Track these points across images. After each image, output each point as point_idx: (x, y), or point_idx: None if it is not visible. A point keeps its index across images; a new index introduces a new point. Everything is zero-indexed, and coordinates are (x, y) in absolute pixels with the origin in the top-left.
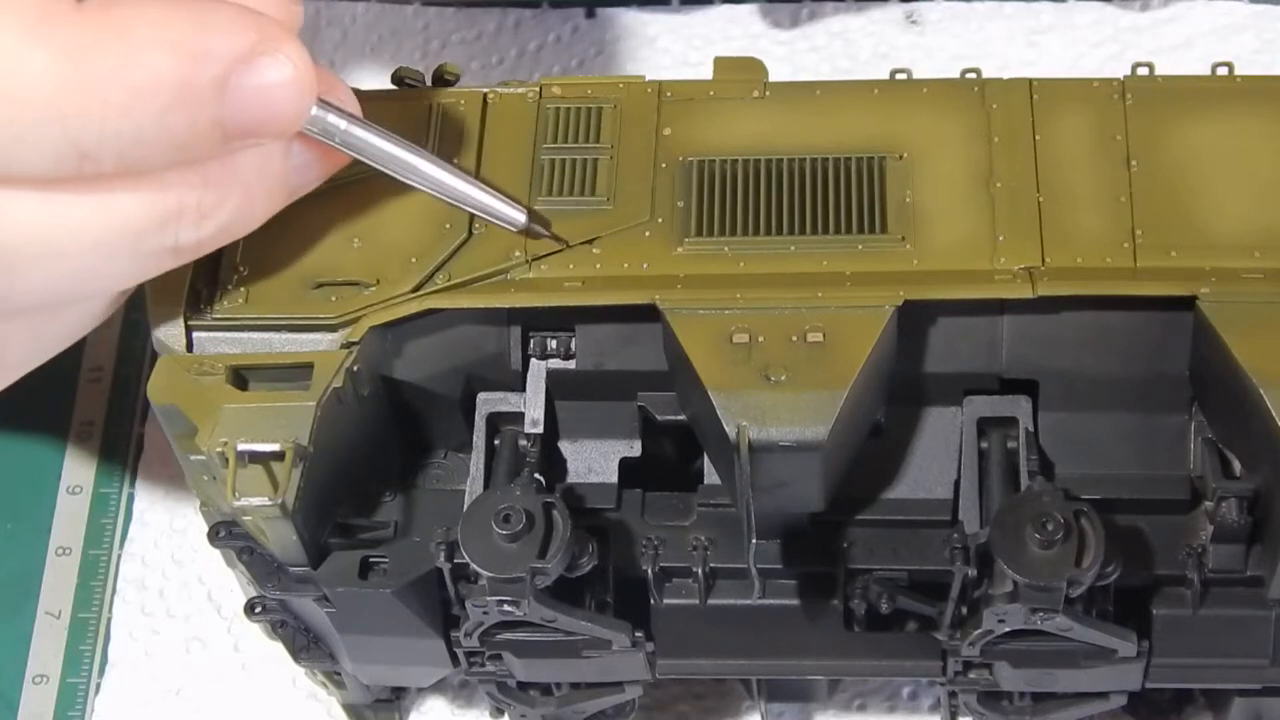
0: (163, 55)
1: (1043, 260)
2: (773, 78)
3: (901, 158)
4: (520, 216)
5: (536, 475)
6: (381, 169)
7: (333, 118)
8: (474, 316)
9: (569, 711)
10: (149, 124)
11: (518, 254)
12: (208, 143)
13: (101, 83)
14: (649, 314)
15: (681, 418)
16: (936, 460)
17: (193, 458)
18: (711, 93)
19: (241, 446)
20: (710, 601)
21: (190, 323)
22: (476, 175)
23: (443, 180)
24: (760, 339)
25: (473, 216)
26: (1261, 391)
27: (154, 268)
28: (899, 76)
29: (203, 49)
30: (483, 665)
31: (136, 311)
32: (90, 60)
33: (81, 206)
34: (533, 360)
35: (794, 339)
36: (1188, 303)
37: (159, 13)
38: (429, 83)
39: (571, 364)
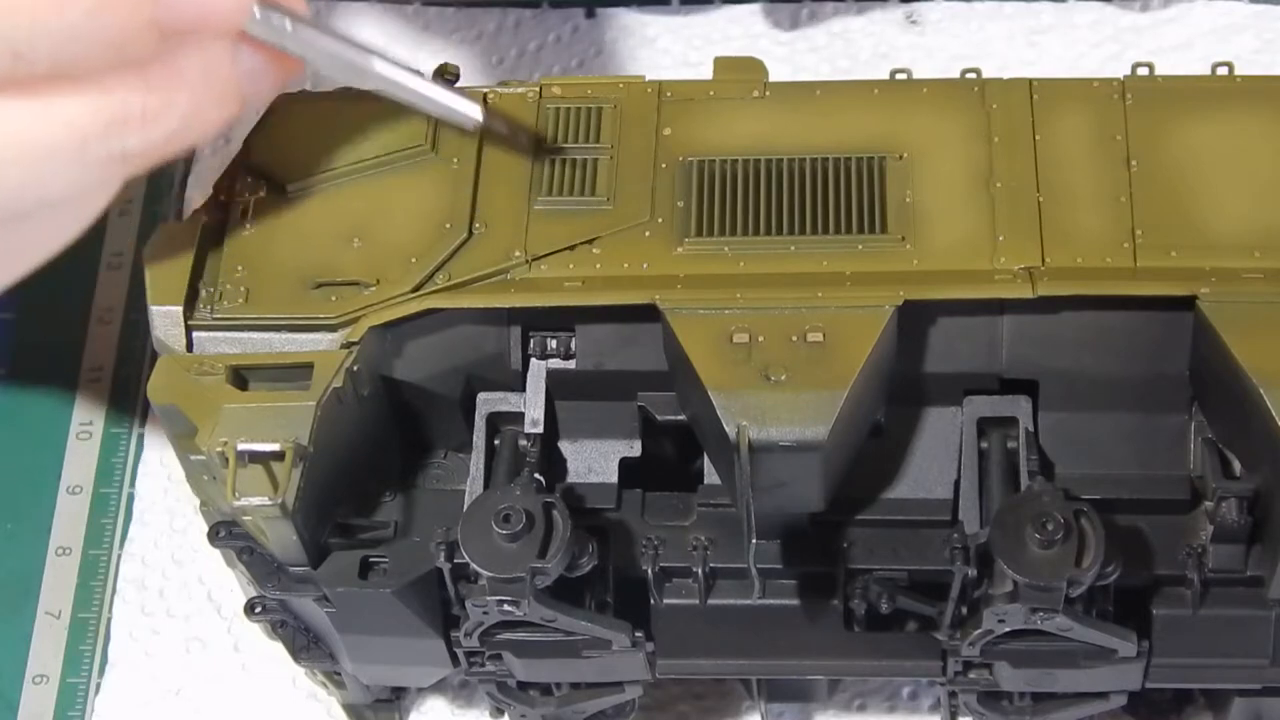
0: None
1: (1043, 260)
2: (773, 78)
3: (901, 158)
4: (476, 114)
5: (536, 475)
6: (332, 73)
7: (278, 17)
8: (474, 316)
9: (569, 711)
10: (81, 21)
11: (518, 254)
12: (144, 41)
13: None
14: (649, 314)
15: (681, 418)
16: (936, 460)
17: (193, 458)
18: (711, 93)
19: (241, 446)
20: (710, 601)
21: (190, 323)
22: (477, 175)
23: (395, 79)
24: (760, 339)
25: (473, 216)
26: (1261, 391)
27: (105, 176)
28: (899, 76)
29: None
30: (483, 665)
31: (136, 311)
32: None
33: (22, 112)
34: (533, 360)
35: (794, 339)
36: (1188, 303)
37: None
38: None
39: (571, 364)
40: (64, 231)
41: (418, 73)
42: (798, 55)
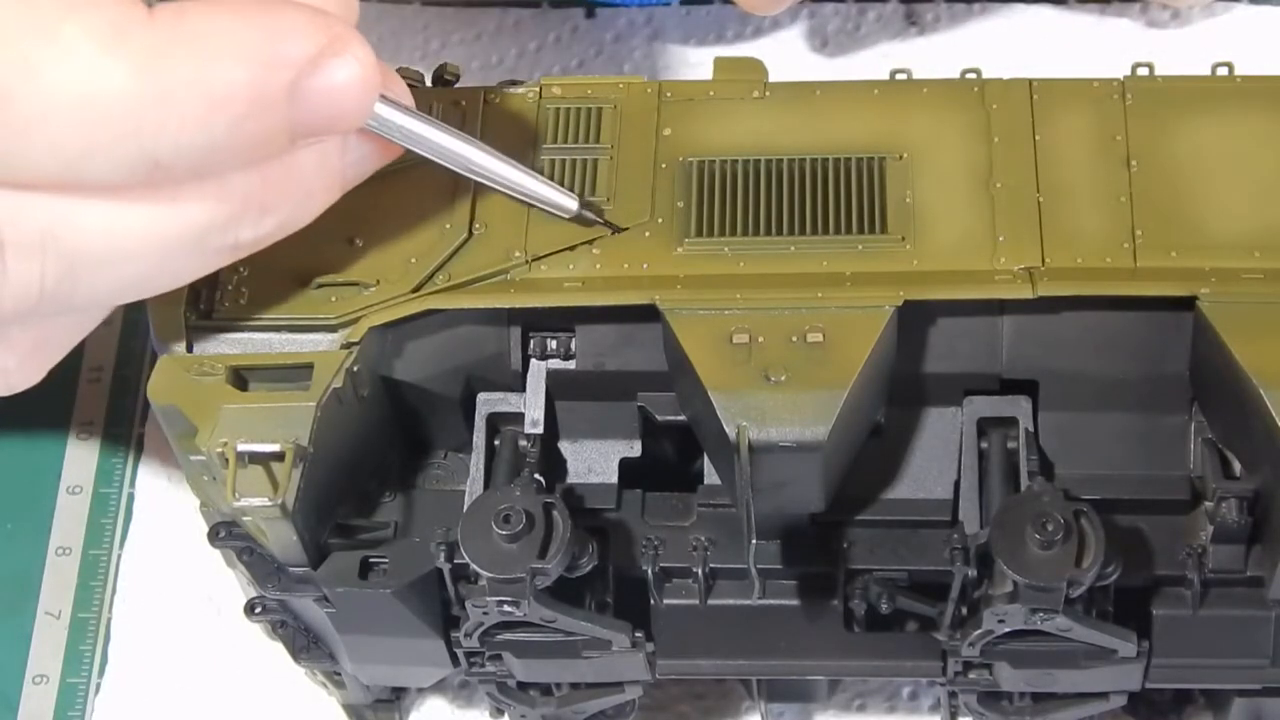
0: (237, 64)
1: (1043, 260)
2: (773, 78)
3: (901, 158)
4: (572, 204)
5: (536, 475)
6: (435, 159)
7: (391, 113)
8: (474, 317)
9: (569, 712)
10: (223, 133)
11: (518, 254)
12: (276, 145)
13: (179, 95)
14: (649, 314)
15: (681, 418)
16: (936, 460)
17: (193, 458)
18: (711, 93)
19: (241, 447)
20: (710, 602)
21: (190, 323)
22: None
23: (495, 170)
24: (760, 339)
25: (473, 216)
26: (1261, 391)
27: (213, 265)
28: (899, 76)
29: (275, 55)
30: (483, 665)
31: (136, 311)
32: (167, 72)
33: (147, 212)
34: (533, 360)
35: (794, 339)
36: (1188, 303)
37: (231, 20)
38: (429, 83)
39: (571, 364)
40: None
41: (515, 162)
42: (798, 55)
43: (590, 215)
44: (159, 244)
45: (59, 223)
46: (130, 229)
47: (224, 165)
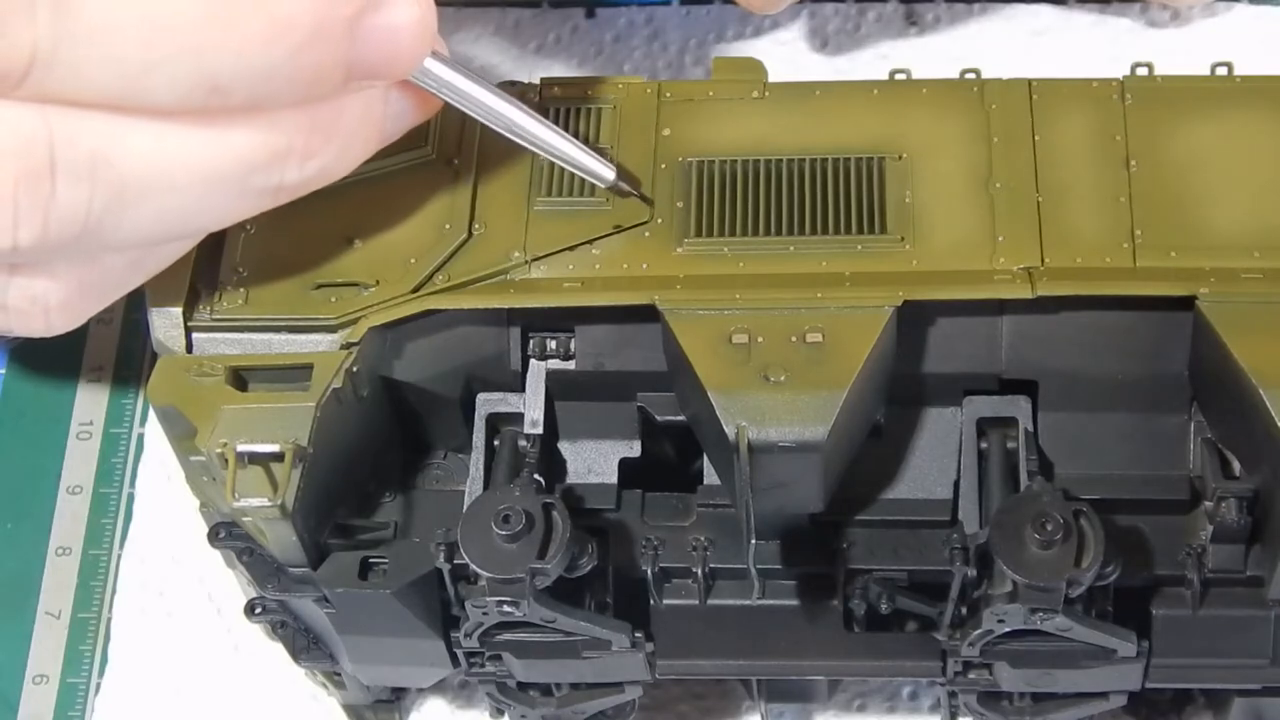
0: None
1: (1042, 260)
2: (773, 78)
3: (901, 158)
4: (609, 173)
5: (536, 476)
6: (477, 117)
7: (437, 66)
8: (473, 317)
9: (569, 712)
10: (283, 60)
11: (517, 254)
12: (331, 83)
13: (243, 16)
14: (648, 314)
15: (681, 418)
16: (936, 460)
17: (192, 459)
18: (711, 93)
19: (241, 447)
20: (710, 602)
21: (190, 323)
22: (476, 176)
23: (534, 131)
24: (760, 339)
25: (472, 216)
26: (1261, 391)
27: (255, 207)
28: (899, 76)
29: None
30: (482, 666)
31: (136, 311)
32: None
33: (196, 140)
34: (532, 361)
35: (793, 339)
36: (1187, 303)
37: None
38: None
39: (571, 364)
40: (183, 249)
41: (557, 129)
42: (798, 55)
43: (625, 187)
44: (205, 176)
45: (111, 146)
46: (179, 157)
47: (279, 97)
